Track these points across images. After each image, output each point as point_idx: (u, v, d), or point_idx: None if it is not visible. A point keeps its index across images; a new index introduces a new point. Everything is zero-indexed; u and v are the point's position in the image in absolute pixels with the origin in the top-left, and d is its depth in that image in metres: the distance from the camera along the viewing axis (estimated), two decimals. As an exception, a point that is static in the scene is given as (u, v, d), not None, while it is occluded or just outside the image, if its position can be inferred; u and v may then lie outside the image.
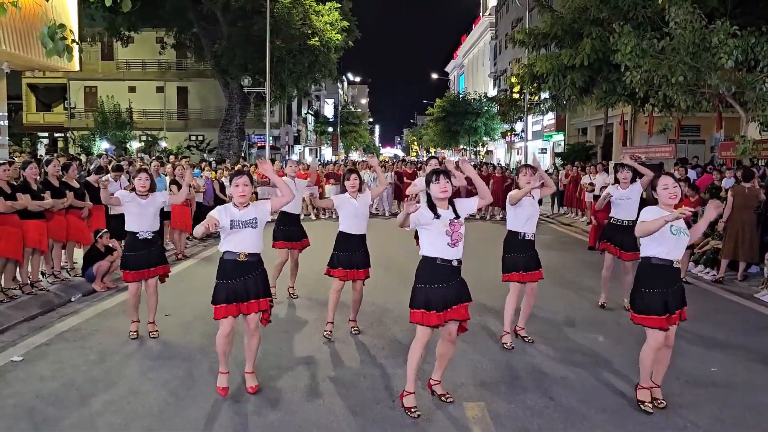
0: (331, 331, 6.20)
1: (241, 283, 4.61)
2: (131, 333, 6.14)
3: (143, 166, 6.71)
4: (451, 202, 4.41)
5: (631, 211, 7.05)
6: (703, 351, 5.80)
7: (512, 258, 5.94)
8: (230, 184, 4.72)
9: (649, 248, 4.43)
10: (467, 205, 4.49)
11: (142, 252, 6.02)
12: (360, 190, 6.13)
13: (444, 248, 4.33)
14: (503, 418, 4.36)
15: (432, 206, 4.35)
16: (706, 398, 4.69)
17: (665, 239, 4.33)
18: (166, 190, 10.85)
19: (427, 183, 4.44)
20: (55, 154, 15.51)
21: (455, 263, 4.36)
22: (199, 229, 4.45)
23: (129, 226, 6.08)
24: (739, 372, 5.33)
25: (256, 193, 7.68)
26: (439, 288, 4.32)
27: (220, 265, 4.68)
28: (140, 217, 6.00)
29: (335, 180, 17.97)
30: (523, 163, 16.56)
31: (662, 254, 4.38)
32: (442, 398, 4.59)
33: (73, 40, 5.63)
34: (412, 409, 4.38)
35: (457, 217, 4.37)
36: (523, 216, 5.87)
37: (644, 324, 4.45)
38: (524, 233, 5.88)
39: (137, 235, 6.03)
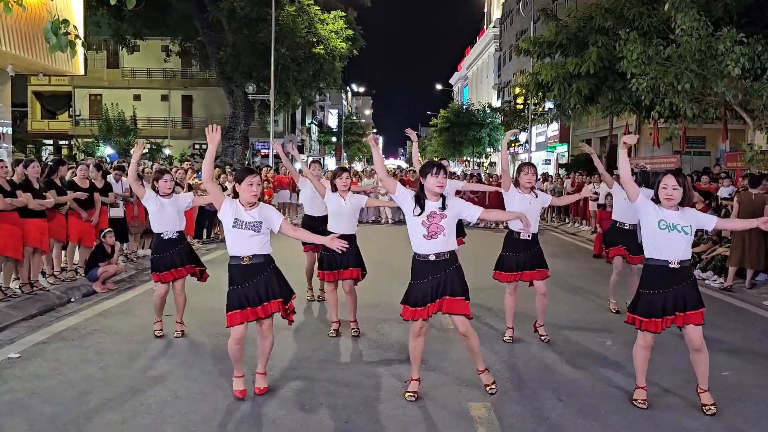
0: (335, 330, 6.16)
1: (252, 287, 4.40)
2: (155, 332, 6.02)
3: (163, 167, 6.50)
4: (443, 197, 4.37)
5: (634, 214, 6.96)
6: (714, 356, 5.63)
7: (504, 257, 5.96)
8: (239, 183, 4.43)
9: (646, 249, 4.40)
10: (464, 207, 4.42)
11: (167, 253, 5.88)
12: (350, 189, 6.06)
13: (419, 241, 4.35)
14: (510, 418, 4.24)
15: (419, 200, 4.31)
16: (720, 402, 4.55)
17: (655, 236, 4.27)
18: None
19: (423, 174, 4.34)
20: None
21: (432, 257, 4.32)
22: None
23: (154, 227, 5.99)
24: (752, 377, 5.20)
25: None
26: (419, 284, 4.38)
27: (229, 272, 4.52)
28: (161, 216, 5.89)
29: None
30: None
31: (654, 254, 4.32)
32: (486, 388, 4.57)
33: (77, 36, 5.56)
34: (409, 392, 4.53)
35: (444, 208, 4.29)
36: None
37: (634, 324, 4.41)
38: (518, 232, 5.84)
39: (161, 235, 5.92)
